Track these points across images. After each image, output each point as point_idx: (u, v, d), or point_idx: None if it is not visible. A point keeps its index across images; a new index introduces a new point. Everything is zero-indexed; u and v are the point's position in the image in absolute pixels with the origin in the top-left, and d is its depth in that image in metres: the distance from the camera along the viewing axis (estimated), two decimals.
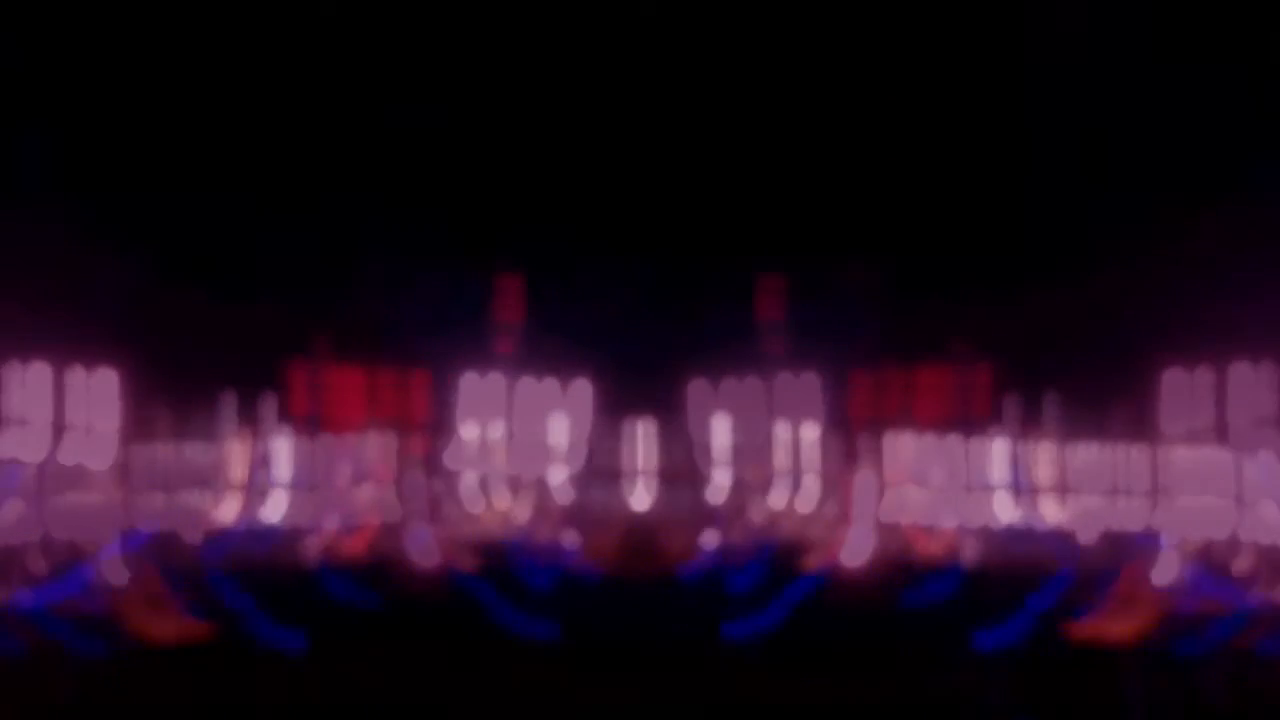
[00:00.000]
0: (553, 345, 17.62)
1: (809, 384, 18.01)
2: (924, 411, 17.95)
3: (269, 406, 16.91)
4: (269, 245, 17.13)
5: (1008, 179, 17.76)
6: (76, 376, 16.16)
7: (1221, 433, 16.49)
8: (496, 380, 17.87)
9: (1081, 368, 17.17)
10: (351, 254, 17.20)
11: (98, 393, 16.28)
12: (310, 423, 17.11)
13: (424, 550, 16.72)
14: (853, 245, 17.85)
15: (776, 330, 18.13)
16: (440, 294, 17.25)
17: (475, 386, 17.69)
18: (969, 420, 17.59)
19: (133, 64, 16.95)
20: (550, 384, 17.95)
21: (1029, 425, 17.32)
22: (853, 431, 17.87)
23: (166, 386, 16.54)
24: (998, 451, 17.32)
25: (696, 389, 18.09)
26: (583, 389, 17.98)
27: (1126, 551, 16.53)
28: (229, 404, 16.77)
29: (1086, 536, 16.88)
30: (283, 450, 16.85)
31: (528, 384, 17.89)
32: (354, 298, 17.29)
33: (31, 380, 15.84)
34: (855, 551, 17.11)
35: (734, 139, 17.97)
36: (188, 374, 16.64)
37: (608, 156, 17.74)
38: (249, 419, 16.83)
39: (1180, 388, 16.81)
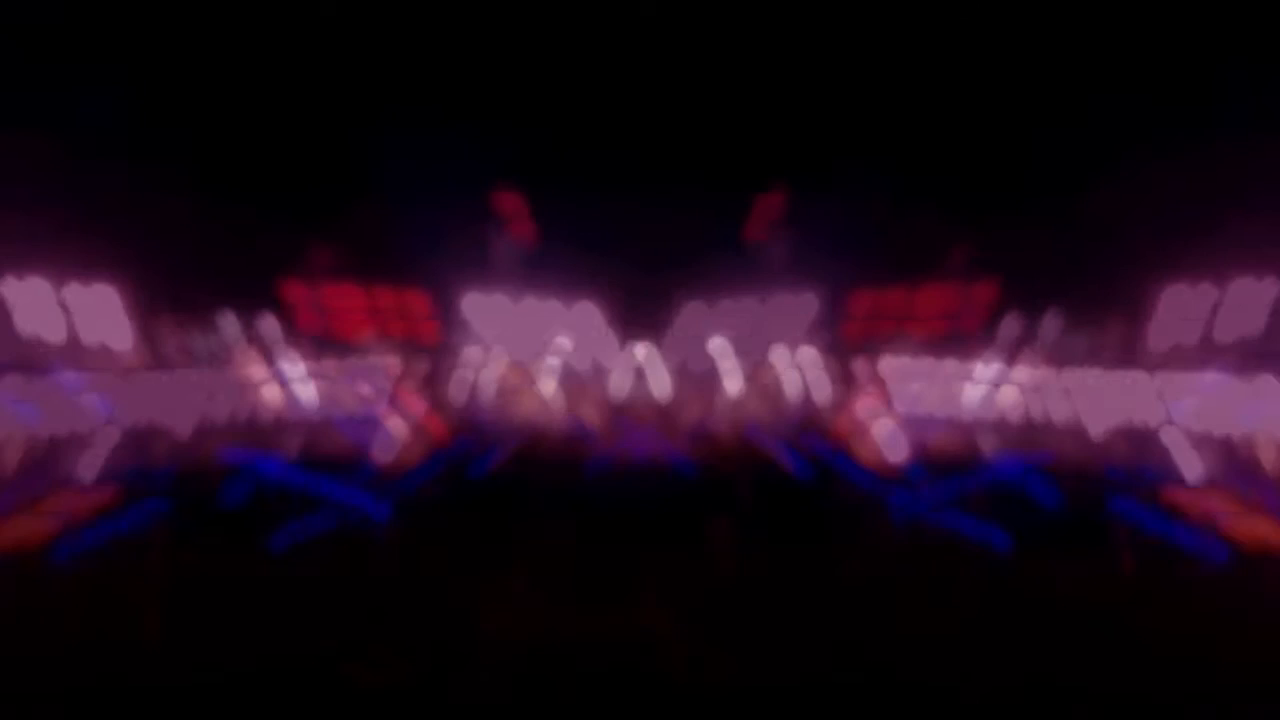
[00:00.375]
0: (554, 264, 17.56)
1: (807, 304, 18.02)
2: (925, 327, 17.98)
3: (272, 326, 16.86)
4: (267, 162, 16.98)
5: (1008, 103, 17.70)
6: (75, 292, 16.08)
7: (1217, 351, 16.56)
8: (500, 300, 17.85)
9: (1080, 286, 17.21)
10: (352, 170, 17.02)
11: (99, 310, 16.21)
12: (313, 342, 17.07)
13: (385, 446, 16.79)
14: (853, 162, 17.73)
15: (775, 248, 18.07)
16: (439, 211, 17.09)
17: (478, 305, 17.67)
18: (971, 336, 17.64)
19: None
20: (554, 305, 17.99)
21: (1027, 342, 17.41)
22: (853, 350, 17.95)
23: (166, 303, 16.47)
24: (996, 367, 17.43)
25: (693, 311, 18.13)
26: (588, 311, 18.03)
27: (1150, 449, 16.56)
28: (231, 324, 16.73)
29: (1096, 430, 16.95)
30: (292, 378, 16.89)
31: (530, 304, 17.89)
32: (353, 215, 17.13)
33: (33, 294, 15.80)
34: (894, 447, 17.25)
35: (738, 59, 17.85)
36: (187, 290, 16.56)
37: (606, 69, 17.62)
38: (253, 339, 16.81)
39: (1180, 305, 16.82)
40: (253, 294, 16.67)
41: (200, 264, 16.33)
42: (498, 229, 17.66)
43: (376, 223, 16.85)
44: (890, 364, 17.76)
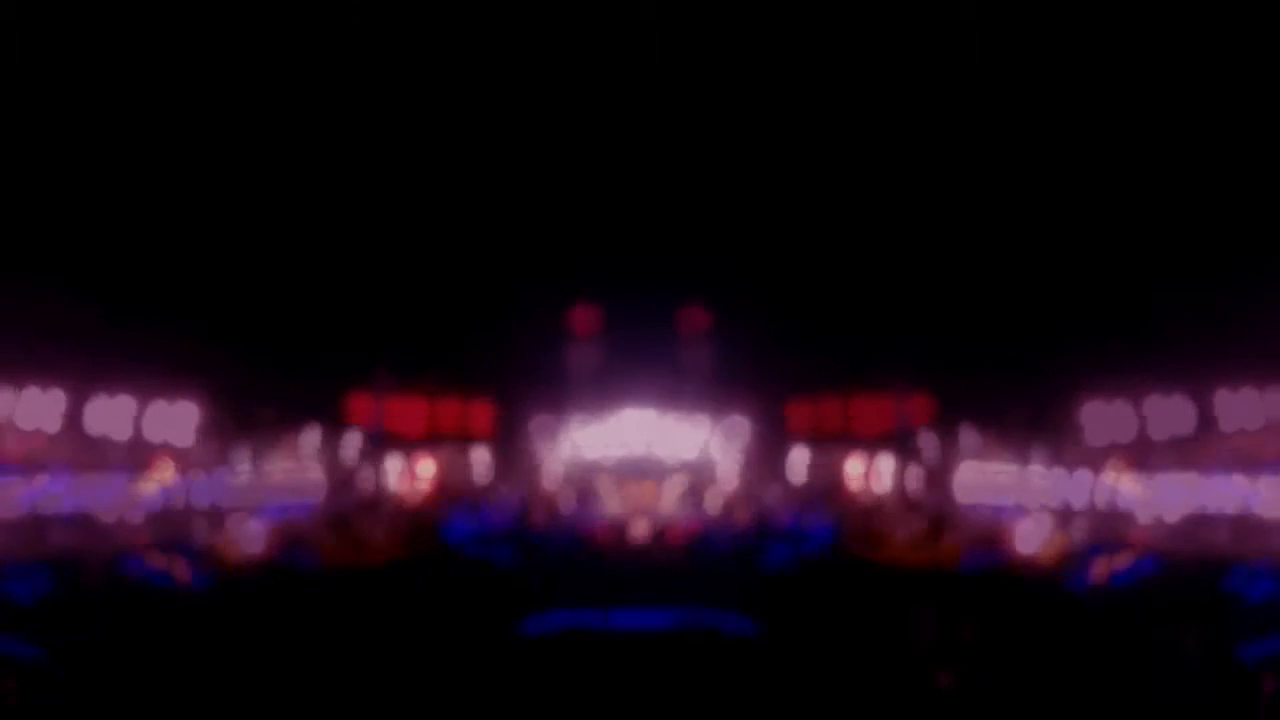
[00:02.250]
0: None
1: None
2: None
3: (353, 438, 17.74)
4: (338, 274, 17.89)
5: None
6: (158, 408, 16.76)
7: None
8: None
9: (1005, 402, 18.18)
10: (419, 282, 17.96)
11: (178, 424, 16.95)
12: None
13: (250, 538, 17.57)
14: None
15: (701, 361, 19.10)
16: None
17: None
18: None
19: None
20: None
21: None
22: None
23: (239, 419, 16.98)
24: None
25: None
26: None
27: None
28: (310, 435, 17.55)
29: (1170, 515, 17.30)
30: None
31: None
32: (419, 326, 18.01)
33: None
34: (1028, 539, 17.99)
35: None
36: (255, 405, 17.08)
37: None
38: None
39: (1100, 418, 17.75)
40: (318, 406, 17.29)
41: (268, 379, 16.91)
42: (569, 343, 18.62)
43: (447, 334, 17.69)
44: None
